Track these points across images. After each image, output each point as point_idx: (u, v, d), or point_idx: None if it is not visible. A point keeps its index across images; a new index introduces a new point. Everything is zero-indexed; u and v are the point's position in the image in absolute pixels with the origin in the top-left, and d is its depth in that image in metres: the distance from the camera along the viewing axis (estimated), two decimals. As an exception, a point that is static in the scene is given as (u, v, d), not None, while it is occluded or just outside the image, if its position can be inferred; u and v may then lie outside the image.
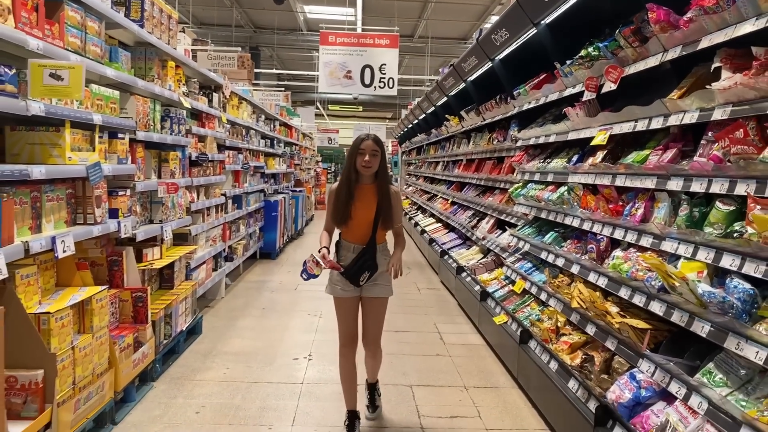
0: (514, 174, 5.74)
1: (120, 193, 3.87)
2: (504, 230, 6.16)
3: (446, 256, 8.29)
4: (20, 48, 2.78)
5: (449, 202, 10.02)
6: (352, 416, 3.67)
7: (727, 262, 2.39)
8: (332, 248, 3.65)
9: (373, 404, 3.91)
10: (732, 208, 2.44)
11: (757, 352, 2.15)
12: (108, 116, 3.64)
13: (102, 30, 3.68)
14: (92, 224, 3.51)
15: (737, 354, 2.30)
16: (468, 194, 8.35)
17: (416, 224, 12.06)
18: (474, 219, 7.89)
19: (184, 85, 5.40)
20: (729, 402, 2.26)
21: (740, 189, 2.34)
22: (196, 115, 6.01)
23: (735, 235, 2.33)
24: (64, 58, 3.07)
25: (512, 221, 5.74)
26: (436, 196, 11.72)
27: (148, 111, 4.42)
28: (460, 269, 7.14)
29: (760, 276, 2.20)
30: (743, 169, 2.30)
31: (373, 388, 3.93)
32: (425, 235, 10.45)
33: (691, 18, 2.60)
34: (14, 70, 2.73)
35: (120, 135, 3.90)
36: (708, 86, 2.52)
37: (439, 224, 10.60)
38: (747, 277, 2.32)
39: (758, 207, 2.17)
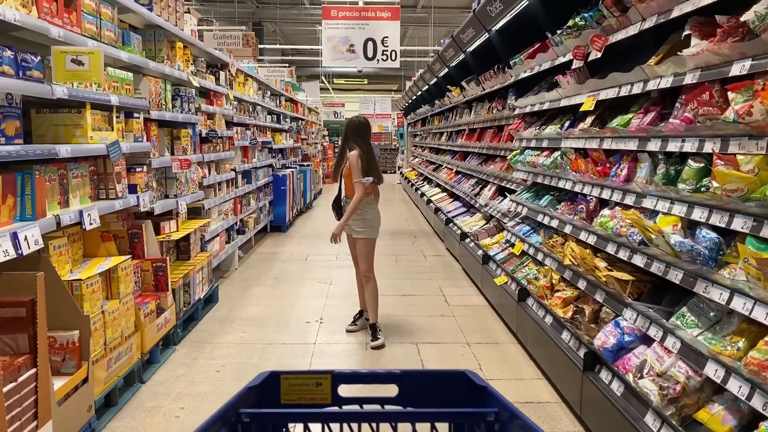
0: (513, 141, 5.94)
1: (137, 169, 4.12)
2: (505, 197, 6.40)
3: (451, 224, 8.53)
4: (43, 36, 3.01)
5: (453, 171, 10.23)
6: (360, 312, 5.11)
7: (698, 214, 2.62)
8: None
9: (375, 337, 4.71)
10: (702, 165, 2.65)
11: (721, 294, 2.39)
12: (124, 97, 3.88)
13: (115, 15, 3.90)
14: (114, 199, 3.77)
15: (706, 297, 2.54)
16: (471, 163, 8.56)
17: (422, 194, 12.29)
18: (477, 187, 8.12)
19: (192, 64, 5.62)
20: (698, 341, 2.50)
21: (708, 147, 2.55)
22: (204, 93, 6.23)
23: (702, 189, 2.55)
24: (82, 44, 3.30)
25: (512, 187, 5.96)
26: (441, 166, 11.92)
27: (159, 91, 4.65)
28: (464, 235, 7.39)
29: (723, 225, 2.43)
30: (710, 129, 2.50)
31: (374, 328, 4.78)
32: (431, 204, 10.67)
33: (664, -12, 2.79)
34: (39, 57, 2.95)
35: (135, 115, 4.13)
36: (679, 53, 2.72)
37: (444, 194, 10.83)
38: (714, 228, 2.54)
39: (721, 163, 2.39)
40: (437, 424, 1.25)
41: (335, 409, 1.27)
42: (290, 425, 1.27)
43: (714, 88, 2.48)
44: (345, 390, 1.38)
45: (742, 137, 2.32)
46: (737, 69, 2.33)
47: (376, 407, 1.30)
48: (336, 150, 4.80)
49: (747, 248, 2.17)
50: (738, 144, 2.34)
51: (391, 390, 1.39)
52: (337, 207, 5.00)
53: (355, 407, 1.32)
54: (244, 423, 1.18)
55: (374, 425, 1.19)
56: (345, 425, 1.21)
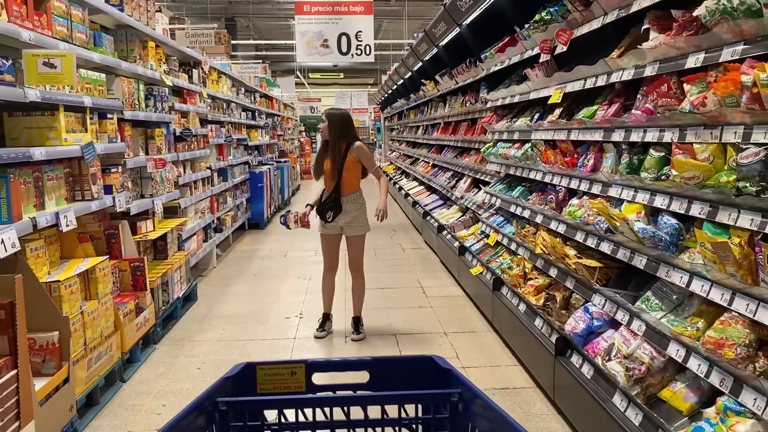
0: (486, 134, 6.04)
1: (112, 170, 4.14)
2: (479, 189, 6.49)
3: (428, 217, 8.62)
4: (14, 40, 3.01)
5: (430, 164, 10.32)
6: (325, 316, 4.91)
7: (659, 202, 2.72)
8: (313, 195, 4.94)
9: (358, 331, 4.80)
10: (662, 154, 2.75)
11: (681, 277, 2.50)
12: (97, 98, 3.89)
13: (86, 17, 3.91)
14: (90, 200, 3.79)
15: (669, 281, 2.65)
16: (447, 156, 8.65)
17: (400, 188, 12.37)
18: (453, 180, 8.21)
19: (164, 63, 5.62)
20: (662, 323, 2.61)
21: (667, 137, 2.65)
22: (177, 92, 6.23)
23: (663, 177, 2.65)
24: (54, 47, 3.31)
25: (486, 179, 6.06)
26: (418, 159, 12.00)
27: (132, 91, 4.66)
28: (441, 228, 7.48)
29: (683, 212, 2.53)
30: (668, 120, 2.61)
31: (357, 321, 4.85)
32: (409, 198, 10.76)
33: (623, -16, 2.88)
34: (10, 61, 2.97)
35: (109, 115, 4.14)
36: (639, 46, 2.82)
37: (422, 187, 10.91)
38: (675, 214, 2.65)
39: (679, 152, 2.49)
40: (406, 407, 1.32)
41: (309, 395, 1.34)
42: (266, 413, 1.34)
43: (672, 80, 2.58)
44: (319, 378, 1.45)
45: (697, 127, 2.42)
46: (692, 61, 2.43)
47: (348, 393, 1.38)
48: (317, 145, 4.68)
49: (703, 233, 2.28)
50: (694, 133, 2.44)
51: (363, 377, 1.46)
52: (336, 206, 4.66)
53: (329, 393, 1.39)
54: (221, 411, 1.24)
55: (345, 409, 1.26)
56: (318, 410, 1.28)
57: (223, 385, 1.29)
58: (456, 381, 1.33)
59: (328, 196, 4.71)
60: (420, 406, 1.30)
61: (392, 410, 1.34)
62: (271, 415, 1.34)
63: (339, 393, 1.38)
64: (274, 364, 1.42)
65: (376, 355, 4.21)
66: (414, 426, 1.29)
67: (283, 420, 1.32)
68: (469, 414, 1.26)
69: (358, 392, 1.37)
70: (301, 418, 1.32)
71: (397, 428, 1.36)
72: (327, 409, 1.26)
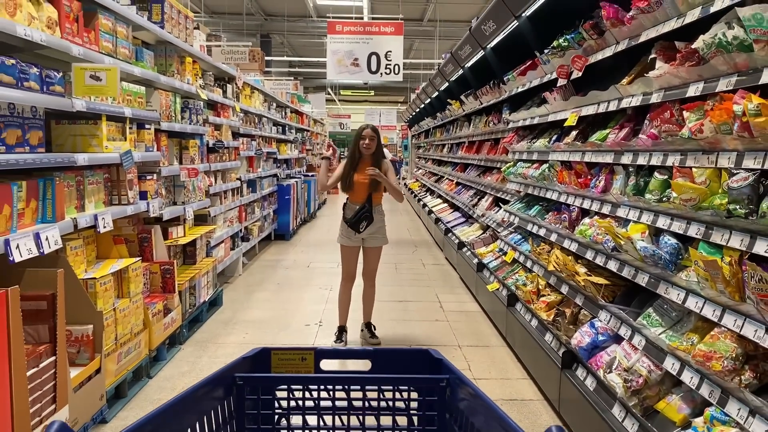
0: (508, 154, 6.19)
1: (148, 177, 4.39)
2: (500, 207, 6.63)
3: (450, 234, 8.76)
4: (65, 54, 3.29)
5: (454, 182, 10.48)
6: (341, 329, 5.04)
7: (662, 222, 2.85)
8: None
9: (373, 334, 5.04)
10: (665, 177, 2.89)
11: (678, 294, 2.63)
12: (136, 110, 4.15)
13: (129, 33, 4.18)
14: (125, 204, 4.03)
15: (668, 299, 2.77)
16: (470, 174, 8.81)
17: (424, 205, 12.54)
18: (475, 198, 8.36)
19: (200, 78, 5.90)
20: (660, 338, 2.73)
21: (670, 161, 2.79)
22: (212, 105, 6.52)
23: (665, 199, 2.78)
24: (99, 61, 3.58)
25: (506, 198, 6.20)
26: (443, 177, 12.18)
27: (170, 103, 4.93)
28: (461, 245, 7.62)
29: (682, 232, 2.66)
30: (671, 144, 2.75)
31: (369, 325, 5.09)
32: (432, 215, 10.92)
33: (632, 16, 3.04)
34: (61, 74, 3.23)
35: (147, 126, 4.40)
36: (646, 74, 2.97)
37: (445, 204, 11.07)
38: (676, 234, 2.78)
39: (680, 175, 2.63)
40: (402, 393, 1.49)
41: (315, 375, 1.52)
42: (277, 392, 1.51)
43: (674, 107, 2.73)
44: (327, 365, 1.63)
45: (696, 152, 2.56)
46: (692, 90, 2.58)
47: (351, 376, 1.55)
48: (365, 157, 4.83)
49: (697, 252, 2.41)
50: (693, 158, 2.58)
51: (366, 366, 1.64)
52: (370, 217, 4.84)
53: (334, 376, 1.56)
54: (238, 385, 1.42)
55: (347, 387, 1.43)
56: (323, 388, 1.45)
57: (242, 363, 1.47)
58: (446, 370, 1.49)
59: (361, 208, 4.83)
60: (412, 389, 1.46)
61: (389, 397, 1.50)
62: (282, 396, 1.52)
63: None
64: (287, 350, 1.60)
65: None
66: (407, 404, 1.45)
67: (292, 401, 1.49)
68: (456, 398, 1.42)
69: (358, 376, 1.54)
70: (309, 403, 1.50)
71: (392, 411, 1.53)
72: (330, 387, 1.43)
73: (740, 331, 2.18)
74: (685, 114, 2.57)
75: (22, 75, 2.84)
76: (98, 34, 3.69)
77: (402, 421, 1.49)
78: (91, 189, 3.71)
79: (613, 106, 3.46)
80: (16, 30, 2.78)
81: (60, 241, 3.06)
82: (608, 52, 3.52)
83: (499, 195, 6.70)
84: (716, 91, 2.38)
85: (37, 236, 2.85)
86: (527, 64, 5.33)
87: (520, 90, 5.58)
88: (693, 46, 2.46)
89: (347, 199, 5.00)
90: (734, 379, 2.17)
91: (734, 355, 2.22)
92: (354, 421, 1.48)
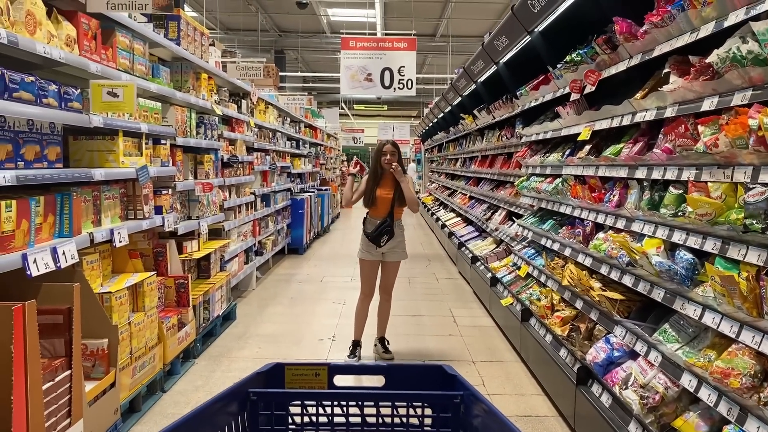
0: (521, 168, 6.18)
1: (163, 192, 4.43)
2: (513, 221, 6.61)
3: (463, 248, 8.74)
4: (83, 71, 3.34)
5: (467, 196, 10.47)
6: (356, 343, 5.04)
7: (677, 237, 2.83)
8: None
9: (387, 349, 5.05)
10: (681, 191, 2.87)
11: (695, 310, 2.60)
12: (152, 125, 4.20)
13: (146, 50, 4.24)
14: (141, 219, 4.07)
15: (685, 314, 2.75)
16: (483, 188, 8.80)
17: (437, 219, 12.53)
18: (488, 212, 8.34)
19: (215, 93, 5.97)
20: (677, 354, 2.70)
21: (685, 175, 2.77)
22: (226, 120, 6.57)
23: (680, 214, 2.76)
24: (117, 78, 3.63)
25: (520, 212, 6.18)
26: (456, 191, 12.17)
27: (185, 119, 4.98)
28: (475, 259, 7.60)
29: (698, 247, 2.64)
30: (686, 159, 2.73)
31: (383, 340, 5.10)
32: (445, 229, 10.90)
33: (646, 30, 3.04)
34: (79, 90, 3.28)
35: (162, 141, 4.45)
36: (660, 88, 2.96)
37: (459, 218, 11.05)
38: (692, 249, 2.76)
39: (695, 190, 2.61)
40: (416, 410, 1.48)
41: (328, 390, 1.52)
42: (290, 408, 1.52)
43: (689, 121, 2.72)
44: (340, 380, 1.62)
45: (711, 166, 2.54)
46: (707, 105, 2.57)
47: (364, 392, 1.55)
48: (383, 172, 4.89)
49: (714, 267, 2.38)
50: (709, 172, 2.56)
51: (379, 381, 1.63)
52: (391, 231, 4.90)
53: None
54: (252, 401, 1.42)
55: (360, 403, 1.43)
56: (336, 405, 1.45)
57: (255, 379, 1.48)
58: (460, 386, 1.48)
59: (383, 222, 4.87)
60: (426, 405, 1.46)
61: (403, 414, 1.50)
62: (295, 412, 1.52)
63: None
64: (301, 365, 1.61)
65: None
66: (420, 420, 1.45)
67: (305, 416, 1.49)
68: (470, 414, 1.41)
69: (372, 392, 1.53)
70: (323, 419, 1.49)
71: (406, 428, 1.52)
72: (344, 403, 1.43)
73: (758, 347, 2.15)
74: (700, 128, 2.56)
75: (41, 92, 2.89)
76: (116, 52, 3.75)
77: (416, 437, 1.49)
78: (107, 204, 3.75)
79: (626, 121, 3.45)
80: (35, 48, 2.83)
81: (76, 255, 3.09)
82: (621, 67, 3.52)
83: (512, 209, 6.68)
84: (731, 105, 2.37)
85: (54, 251, 2.88)
86: (540, 78, 5.33)
87: (533, 104, 5.58)
88: (707, 61, 2.46)
89: (368, 213, 5.03)
90: (753, 396, 2.14)
91: (752, 372, 2.19)
92: (368, 437, 1.48)
